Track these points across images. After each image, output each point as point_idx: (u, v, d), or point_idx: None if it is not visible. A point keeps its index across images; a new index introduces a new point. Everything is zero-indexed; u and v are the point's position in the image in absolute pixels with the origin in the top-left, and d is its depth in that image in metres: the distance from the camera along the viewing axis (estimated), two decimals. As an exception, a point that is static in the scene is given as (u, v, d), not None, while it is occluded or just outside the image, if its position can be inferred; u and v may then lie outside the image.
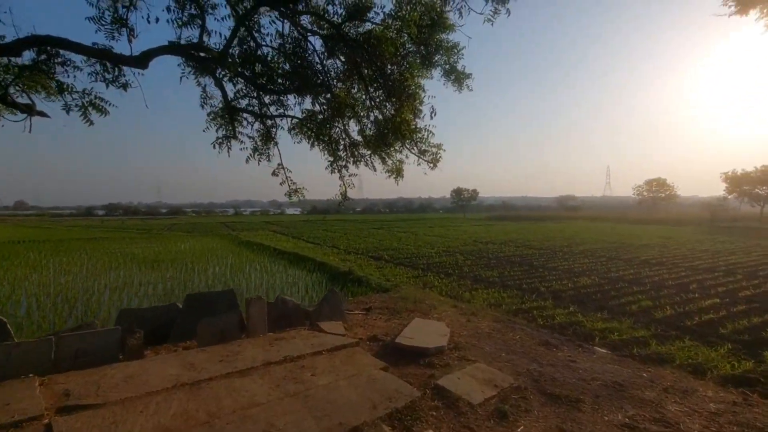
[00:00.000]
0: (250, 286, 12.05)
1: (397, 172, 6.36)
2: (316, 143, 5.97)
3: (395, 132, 5.28)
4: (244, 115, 5.85)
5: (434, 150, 6.22)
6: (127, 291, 11.31)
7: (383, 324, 6.26)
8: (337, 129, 6.04)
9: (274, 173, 5.98)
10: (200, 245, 23.92)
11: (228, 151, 5.69)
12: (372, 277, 12.04)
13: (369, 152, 6.23)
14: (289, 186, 6.03)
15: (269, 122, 5.91)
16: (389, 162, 6.28)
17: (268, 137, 5.98)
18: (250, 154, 5.96)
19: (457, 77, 6.02)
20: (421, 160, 6.21)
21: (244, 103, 5.79)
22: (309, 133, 5.91)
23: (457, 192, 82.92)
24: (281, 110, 5.92)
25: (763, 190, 49.00)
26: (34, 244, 25.06)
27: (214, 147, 5.52)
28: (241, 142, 6.05)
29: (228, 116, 5.54)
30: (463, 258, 17.82)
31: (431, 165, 6.21)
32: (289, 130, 6.06)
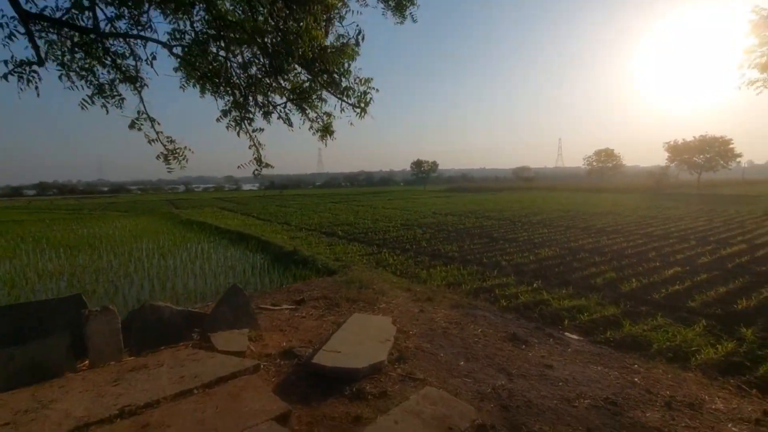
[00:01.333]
0: (178, 272, 10.38)
1: (325, 129, 4.90)
2: (204, 84, 4.31)
3: (290, 52, 3.75)
4: (72, 34, 3.91)
5: (360, 89, 4.61)
6: (19, 286, 9.32)
7: (312, 324, 5.00)
8: (231, 62, 4.39)
9: (132, 125, 4.24)
10: (134, 226, 21.39)
11: (36, 90, 3.67)
12: (319, 257, 10.74)
13: (284, 100, 4.68)
14: (164, 146, 4.38)
15: (111, 44, 4.11)
16: (311, 114, 4.81)
17: (118, 70, 4.22)
18: (87, 98, 4.00)
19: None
20: (343, 102, 4.72)
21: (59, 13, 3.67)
22: (188, 68, 4.22)
23: (417, 164, 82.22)
24: (135, 30, 4.09)
25: (700, 158, 52.07)
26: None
27: (5, 79, 3.53)
28: (65, 75, 3.95)
29: (24, 26, 3.57)
30: (421, 232, 16.90)
31: (358, 111, 4.65)
32: (148, 61, 4.26)
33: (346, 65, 4.00)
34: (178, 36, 3.52)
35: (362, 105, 4.39)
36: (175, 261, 11.71)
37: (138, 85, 4.07)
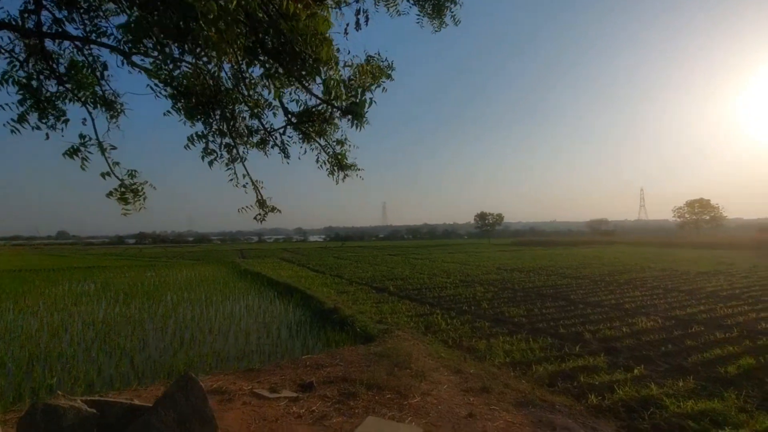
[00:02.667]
0: (214, 327, 9.68)
1: (338, 160, 3.84)
2: (185, 105, 3.42)
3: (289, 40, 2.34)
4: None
5: (351, 88, 3.19)
6: (68, 332, 9.19)
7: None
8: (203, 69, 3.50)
9: (72, 153, 3.33)
10: (196, 275, 22.03)
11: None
12: (360, 318, 9.41)
13: (284, 125, 3.70)
14: (120, 180, 3.36)
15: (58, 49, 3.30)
16: (320, 142, 3.76)
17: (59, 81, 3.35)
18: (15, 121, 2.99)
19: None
20: (333, 109, 3.41)
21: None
22: (155, 79, 3.34)
23: (481, 216, 79.36)
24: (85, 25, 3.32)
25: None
26: (28, 273, 23.94)
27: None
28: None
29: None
30: (483, 290, 14.89)
31: (350, 119, 3.23)
32: (98, 71, 3.33)
33: (323, 51, 2.72)
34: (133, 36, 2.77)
35: (357, 109, 3.17)
36: (212, 314, 11.12)
37: (99, 103, 3.37)
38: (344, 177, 3.94)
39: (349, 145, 3.93)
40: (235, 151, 3.70)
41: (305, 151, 3.88)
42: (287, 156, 3.85)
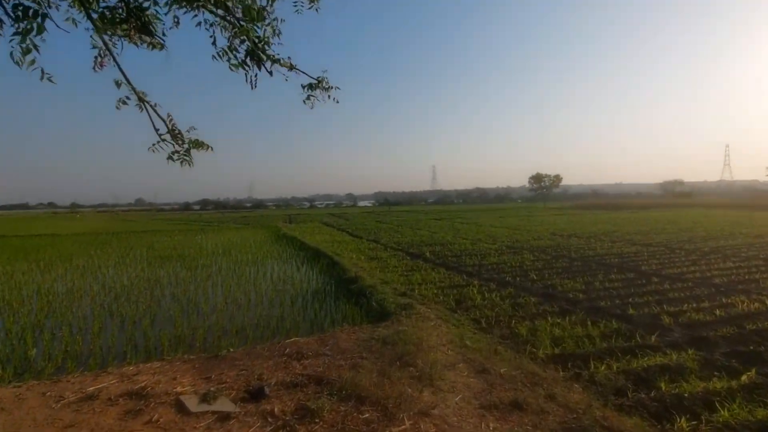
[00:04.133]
0: (229, 295, 9.05)
1: (253, 44, 2.37)
2: None
3: None
4: None
5: None
6: (90, 295, 9.04)
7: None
8: None
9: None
10: (238, 239, 22.18)
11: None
12: (382, 289, 8.22)
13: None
14: (175, 134, 2.56)
15: None
16: (215, 10, 2.34)
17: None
18: None
19: None
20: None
21: None
22: None
23: (536, 178, 74.11)
24: None
25: None
26: (91, 236, 25.66)
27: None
28: None
29: None
30: (532, 258, 13.05)
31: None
32: None
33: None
34: None
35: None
36: (233, 281, 10.53)
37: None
38: (262, 72, 2.51)
39: (276, 22, 2.49)
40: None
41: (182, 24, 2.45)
42: (156, 40, 2.49)
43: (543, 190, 75.04)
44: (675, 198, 71.11)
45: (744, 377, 4.42)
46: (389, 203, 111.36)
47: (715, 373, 4.65)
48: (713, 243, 15.40)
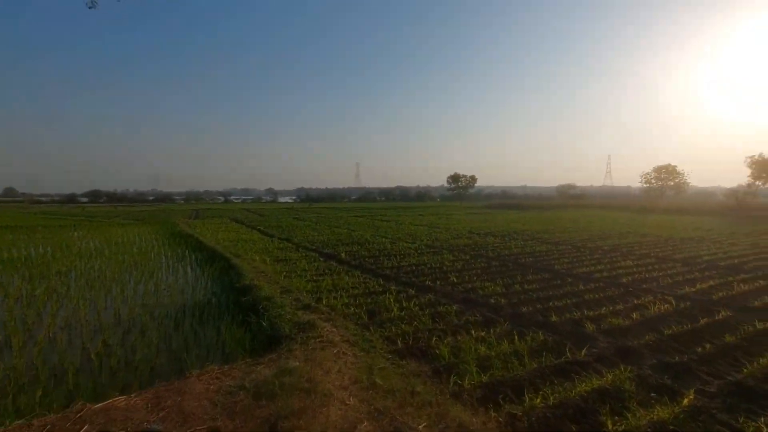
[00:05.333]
0: (72, 319, 6.76)
1: None
2: None
3: None
4: None
5: None
6: None
7: None
8: None
9: None
10: (121, 236, 18.60)
11: None
12: (281, 301, 6.71)
13: None
14: None
15: None
16: None
17: None
18: None
19: None
20: None
21: None
22: None
23: (454, 178, 77.41)
24: None
25: (794, 175, 43.66)
26: None
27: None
28: None
29: None
30: (452, 258, 12.52)
31: None
32: None
33: None
34: None
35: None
36: (88, 294, 8.13)
37: None
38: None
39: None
40: None
41: None
42: None
43: (460, 189, 78.63)
44: (569, 200, 79.73)
45: (685, 400, 3.90)
46: (311, 199, 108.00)
47: (653, 394, 4.10)
48: (610, 241, 16.53)
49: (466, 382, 4.18)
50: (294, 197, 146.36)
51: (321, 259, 12.36)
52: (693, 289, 8.48)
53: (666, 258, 12.53)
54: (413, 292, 8.18)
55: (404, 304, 7.16)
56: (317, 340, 4.75)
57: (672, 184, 75.19)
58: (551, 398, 3.88)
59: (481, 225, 24.86)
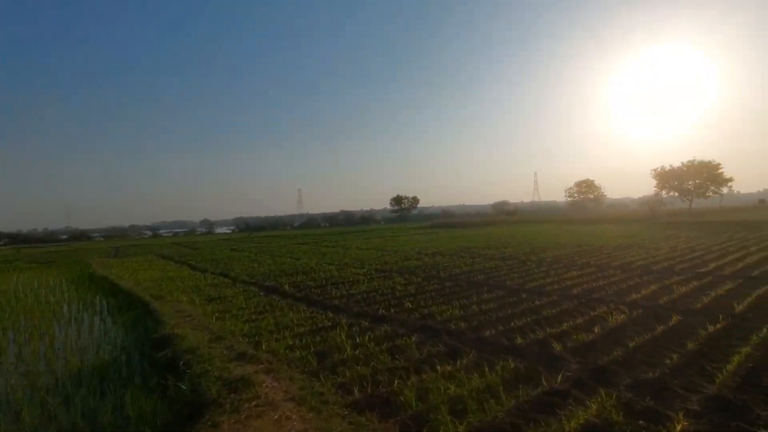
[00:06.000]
0: None
1: None
2: None
3: None
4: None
5: None
6: None
7: None
8: None
9: None
10: (14, 284, 15.60)
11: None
12: (210, 353, 5.57)
13: None
14: None
15: None
16: None
17: None
18: None
19: None
20: None
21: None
22: None
23: (397, 200, 78.40)
24: None
25: (690, 184, 50.01)
26: None
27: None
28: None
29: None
30: (403, 281, 11.93)
31: None
32: None
33: None
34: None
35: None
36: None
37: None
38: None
39: None
40: None
41: None
42: None
43: (403, 211, 79.68)
44: (504, 216, 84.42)
45: (678, 426, 3.52)
46: (250, 229, 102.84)
47: (641, 422, 3.69)
48: (551, 253, 17.08)
49: (441, 436, 3.47)
50: (232, 227, 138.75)
51: (261, 293, 11.11)
52: (639, 296, 8.65)
53: (605, 266, 13.03)
54: (366, 323, 7.38)
55: (358, 340, 6.34)
56: (253, 403, 3.79)
57: (592, 197, 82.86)
58: (540, 445, 3.30)
59: (428, 245, 24.79)
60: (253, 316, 8.31)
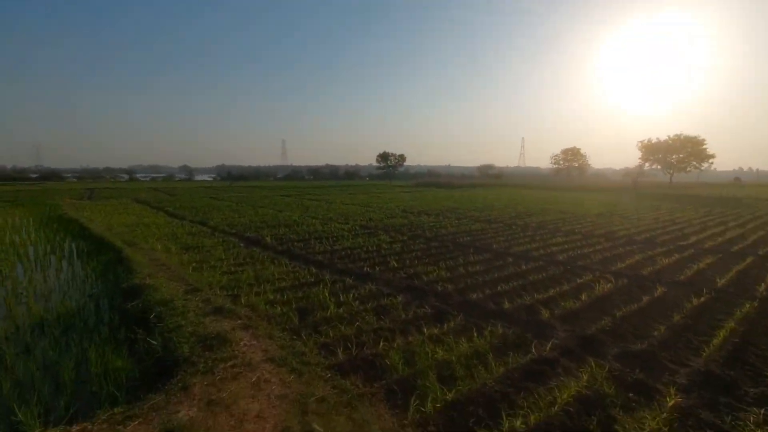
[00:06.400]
0: None
1: None
2: None
3: None
4: None
5: None
6: None
7: None
8: None
9: None
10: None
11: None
12: (185, 305, 5.24)
13: None
14: None
15: None
16: None
17: None
18: None
19: None
20: None
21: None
22: None
23: (384, 156, 77.07)
24: None
25: (673, 158, 50.63)
26: None
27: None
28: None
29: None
30: (388, 239, 11.71)
31: None
32: None
33: None
34: None
35: None
36: None
37: None
38: None
39: None
40: None
41: None
42: None
43: (389, 168, 78.65)
44: (490, 179, 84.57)
45: (671, 401, 3.44)
46: (232, 178, 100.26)
47: (631, 395, 3.61)
48: (536, 218, 17.08)
49: (429, 404, 3.30)
50: (213, 175, 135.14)
51: (242, 245, 10.72)
52: (623, 265, 8.67)
53: (589, 234, 13.07)
54: (351, 281, 7.15)
55: (342, 298, 6.11)
56: (229, 363, 3.52)
57: (576, 165, 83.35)
58: (532, 417, 3.16)
59: (413, 203, 24.55)
60: (233, 268, 7.97)
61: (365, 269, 8.05)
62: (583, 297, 6.37)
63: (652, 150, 51.82)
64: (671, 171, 50.97)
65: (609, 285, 7.07)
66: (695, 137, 49.04)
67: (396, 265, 8.53)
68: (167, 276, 6.74)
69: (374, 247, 10.44)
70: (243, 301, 5.82)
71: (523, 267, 8.41)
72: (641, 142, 52.78)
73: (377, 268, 8.17)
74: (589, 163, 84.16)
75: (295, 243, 11.01)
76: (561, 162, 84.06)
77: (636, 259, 9.28)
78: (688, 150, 49.39)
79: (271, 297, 6.09)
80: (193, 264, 8.18)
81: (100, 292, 6.66)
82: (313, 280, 7.23)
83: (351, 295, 6.28)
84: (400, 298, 6.17)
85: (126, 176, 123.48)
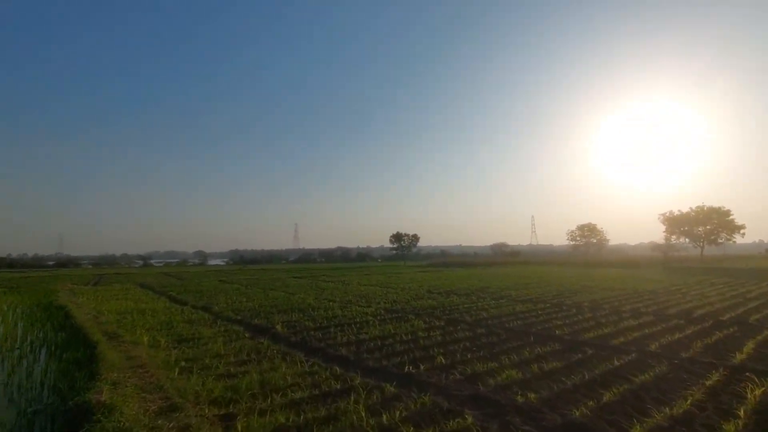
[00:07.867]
0: None
1: None
2: None
3: None
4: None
5: None
6: None
7: None
8: None
9: None
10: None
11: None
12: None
13: None
14: None
15: None
16: None
17: None
18: None
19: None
20: None
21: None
22: None
23: (397, 237, 76.28)
24: None
25: (700, 230, 48.48)
26: None
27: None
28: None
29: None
30: (423, 325, 9.72)
31: None
32: None
33: None
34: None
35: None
36: None
37: None
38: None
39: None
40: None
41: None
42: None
43: (403, 248, 77.39)
44: (506, 257, 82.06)
45: None
46: (244, 261, 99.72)
47: None
48: (583, 297, 14.92)
49: None
50: (226, 260, 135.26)
51: (247, 335, 8.85)
52: (743, 356, 6.54)
53: (661, 313, 10.91)
54: (391, 388, 5.18)
55: (385, 419, 4.15)
56: None
57: (594, 241, 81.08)
58: None
59: (436, 283, 22.53)
60: (232, 369, 6.08)
61: (406, 368, 6.07)
62: (741, 412, 4.29)
63: (676, 223, 49.97)
64: (701, 243, 48.44)
65: (754, 388, 4.95)
66: (719, 208, 47.43)
67: (444, 361, 6.54)
68: (140, 384, 4.90)
69: (409, 336, 8.46)
70: (240, 427, 3.91)
71: (616, 362, 6.33)
72: (663, 215, 51.20)
73: (421, 366, 6.18)
74: (607, 238, 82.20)
75: (312, 332, 9.10)
76: (578, 238, 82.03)
77: (750, 346, 7.12)
78: (714, 221, 47.44)
79: (282, 419, 4.16)
80: (182, 363, 6.32)
81: (46, 406, 4.81)
82: (339, 387, 5.28)
83: (398, 412, 4.31)
84: (469, 419, 4.18)
85: (141, 262, 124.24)
